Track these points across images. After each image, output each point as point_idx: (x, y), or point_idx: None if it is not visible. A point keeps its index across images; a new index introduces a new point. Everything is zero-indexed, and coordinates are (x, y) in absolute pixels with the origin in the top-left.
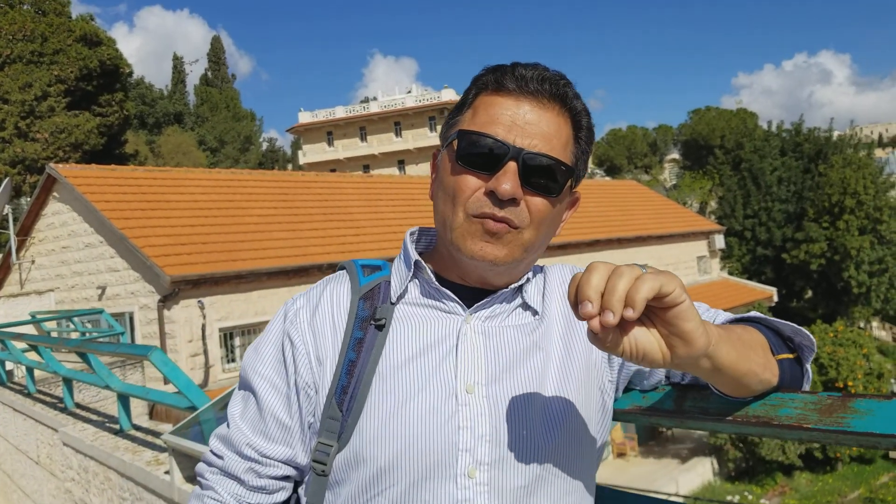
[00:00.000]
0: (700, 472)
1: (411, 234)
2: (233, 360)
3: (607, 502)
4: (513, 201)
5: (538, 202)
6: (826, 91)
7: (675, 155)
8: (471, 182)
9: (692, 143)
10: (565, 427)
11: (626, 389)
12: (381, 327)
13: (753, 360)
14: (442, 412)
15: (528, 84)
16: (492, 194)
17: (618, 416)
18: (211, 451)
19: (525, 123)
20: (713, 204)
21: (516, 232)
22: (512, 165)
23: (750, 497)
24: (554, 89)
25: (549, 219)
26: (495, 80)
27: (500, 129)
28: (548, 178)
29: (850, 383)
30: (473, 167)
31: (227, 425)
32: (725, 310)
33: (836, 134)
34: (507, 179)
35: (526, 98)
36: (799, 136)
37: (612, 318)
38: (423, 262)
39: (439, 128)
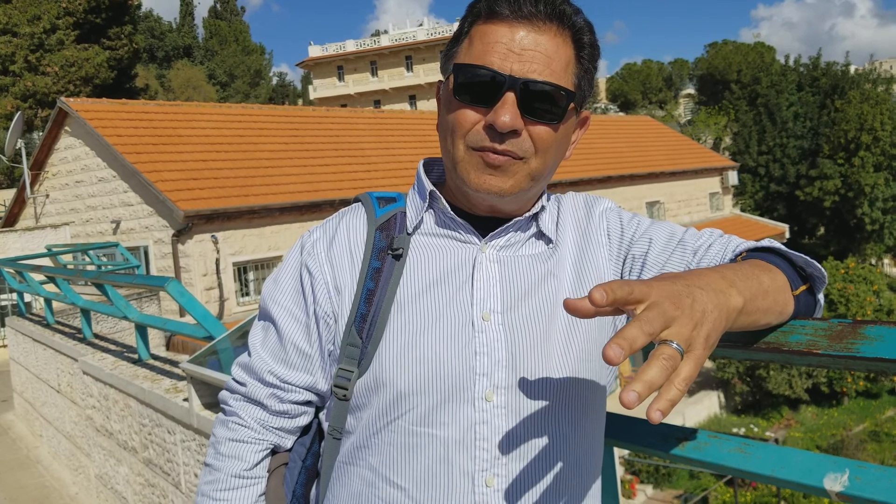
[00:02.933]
0: (707, 406)
1: (424, 164)
2: (247, 294)
3: (617, 428)
4: (513, 133)
5: (540, 131)
6: (848, 24)
7: (691, 90)
8: (470, 116)
9: (708, 78)
10: (579, 351)
11: None
12: (398, 257)
13: (773, 311)
14: (459, 339)
15: (521, 7)
16: (491, 128)
17: None
18: (233, 378)
19: (521, 50)
20: (727, 140)
21: (521, 162)
22: (510, 96)
23: (756, 429)
24: (549, 9)
25: (554, 145)
26: (488, 6)
27: (496, 59)
28: (548, 104)
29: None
30: (471, 101)
31: (249, 354)
32: None
33: (853, 68)
34: (506, 112)
35: (521, 22)
36: (817, 70)
37: (659, 417)
38: (437, 193)
39: None
